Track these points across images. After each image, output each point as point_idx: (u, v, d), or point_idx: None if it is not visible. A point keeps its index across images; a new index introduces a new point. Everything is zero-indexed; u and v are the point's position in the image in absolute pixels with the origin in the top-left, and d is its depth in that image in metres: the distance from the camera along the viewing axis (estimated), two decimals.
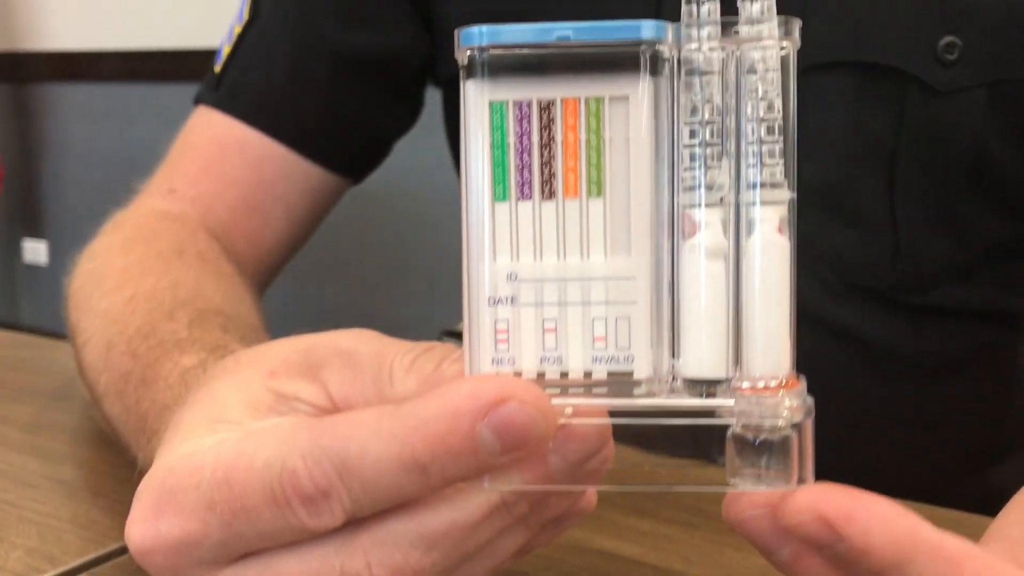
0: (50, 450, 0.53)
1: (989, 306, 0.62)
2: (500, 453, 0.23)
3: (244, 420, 0.27)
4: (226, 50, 0.66)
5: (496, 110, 0.24)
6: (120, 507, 0.46)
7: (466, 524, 0.25)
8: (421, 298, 2.64)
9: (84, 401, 0.57)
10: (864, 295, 0.59)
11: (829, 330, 0.59)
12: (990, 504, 0.38)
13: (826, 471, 0.44)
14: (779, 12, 0.66)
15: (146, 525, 0.26)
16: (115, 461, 0.49)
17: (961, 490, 0.62)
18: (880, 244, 0.58)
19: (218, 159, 0.64)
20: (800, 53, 0.57)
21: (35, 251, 3.30)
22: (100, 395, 0.46)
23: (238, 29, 0.66)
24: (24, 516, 0.45)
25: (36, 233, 3.32)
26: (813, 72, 0.56)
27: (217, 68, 0.66)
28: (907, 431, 0.62)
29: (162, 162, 0.66)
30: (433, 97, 0.71)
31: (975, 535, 0.31)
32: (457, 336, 1.06)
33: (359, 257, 2.64)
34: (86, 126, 3.16)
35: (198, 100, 0.66)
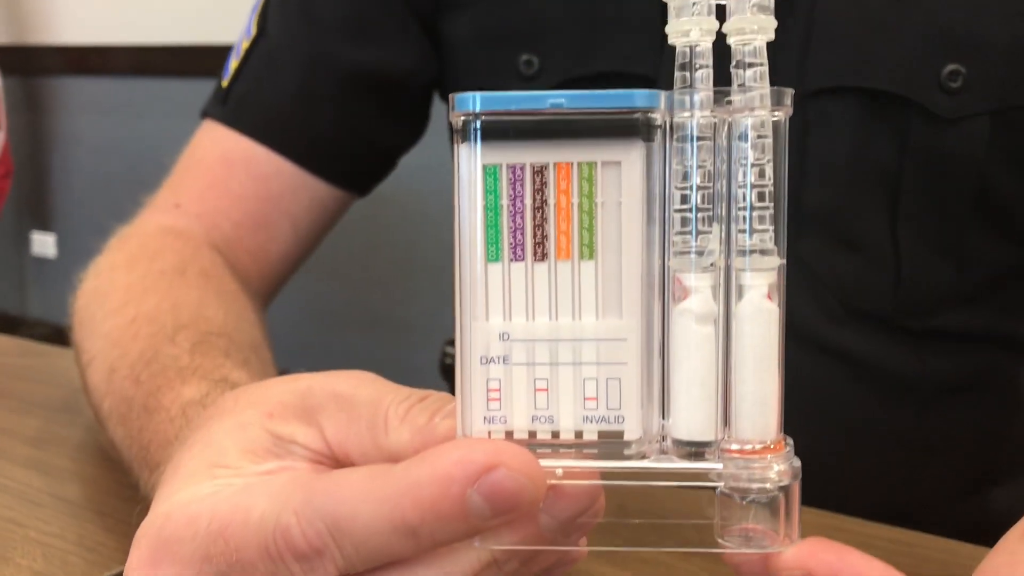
0: (55, 466, 0.53)
1: (991, 330, 0.62)
2: (490, 517, 0.23)
3: (242, 465, 0.28)
4: (233, 65, 0.66)
5: (490, 173, 0.25)
6: (125, 528, 0.46)
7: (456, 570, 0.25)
8: (428, 296, 2.65)
9: (88, 416, 0.58)
10: (865, 319, 0.59)
11: (830, 353, 0.60)
12: (990, 528, 0.38)
13: (826, 492, 0.44)
14: (784, 37, 0.66)
15: (143, 572, 0.27)
16: (120, 479, 0.49)
17: (960, 513, 0.62)
18: (882, 270, 0.58)
19: (224, 175, 0.64)
20: (805, 78, 0.58)
21: (43, 244, 3.32)
22: (104, 417, 0.47)
23: (246, 44, 0.66)
24: (30, 536, 0.45)
25: (45, 226, 3.33)
26: (818, 97, 0.56)
27: (224, 83, 0.66)
28: (907, 453, 0.62)
29: (168, 176, 0.67)
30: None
31: (970, 566, 0.31)
32: None
33: (367, 255, 2.65)
34: (95, 120, 3.18)
35: (205, 114, 0.67)
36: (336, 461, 0.28)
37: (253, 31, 0.66)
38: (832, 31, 0.55)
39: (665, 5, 0.25)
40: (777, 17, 0.24)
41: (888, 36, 0.55)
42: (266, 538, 0.25)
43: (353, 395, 0.28)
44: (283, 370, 0.52)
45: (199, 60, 2.83)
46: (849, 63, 0.56)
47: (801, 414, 0.60)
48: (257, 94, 0.65)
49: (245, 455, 0.28)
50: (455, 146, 0.25)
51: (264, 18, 0.66)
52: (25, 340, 0.79)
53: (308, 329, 2.81)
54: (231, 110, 0.65)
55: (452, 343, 1.06)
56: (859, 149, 0.57)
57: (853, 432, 0.61)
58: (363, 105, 0.65)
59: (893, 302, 0.59)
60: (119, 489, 0.50)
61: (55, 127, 3.27)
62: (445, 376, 1.06)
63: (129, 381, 0.44)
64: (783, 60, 0.57)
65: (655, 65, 0.58)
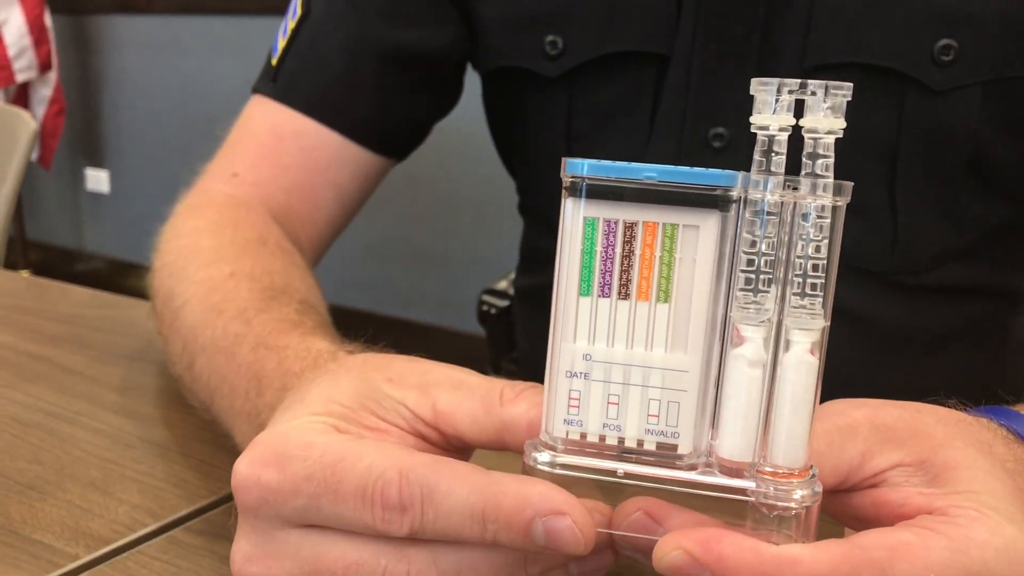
0: (140, 412, 0.59)
1: (984, 283, 0.66)
2: (543, 546, 0.29)
3: (353, 409, 0.33)
4: (281, 43, 0.71)
5: (589, 224, 0.30)
6: (206, 467, 0.52)
7: (494, 569, 0.30)
8: (467, 231, 2.69)
9: (162, 364, 0.63)
10: (863, 276, 0.64)
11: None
12: None
13: None
14: (787, 17, 0.70)
15: (252, 467, 0.32)
16: (198, 423, 0.55)
17: None
18: (880, 232, 0.62)
19: (275, 147, 0.69)
20: (805, 54, 0.62)
21: (97, 180, 3.39)
22: (198, 349, 0.51)
23: (292, 24, 0.71)
24: (126, 474, 0.51)
25: (98, 163, 3.40)
26: (818, 73, 0.60)
27: (274, 60, 0.71)
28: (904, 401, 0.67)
29: (222, 146, 0.71)
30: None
31: None
32: (497, 294, 1.11)
33: (408, 191, 2.70)
34: (143, 58, 3.22)
35: (255, 89, 0.72)
36: (437, 431, 0.34)
37: (299, 11, 0.71)
38: (831, 11, 0.59)
39: None
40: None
41: (883, 14, 0.59)
42: (368, 483, 0.30)
43: (467, 380, 0.34)
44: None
45: None
46: (847, 41, 0.59)
47: None
48: (305, 72, 0.70)
49: (358, 402, 0.33)
50: (563, 200, 0.30)
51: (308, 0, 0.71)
52: (98, 291, 0.84)
53: (352, 263, 2.86)
54: (281, 87, 0.70)
55: (490, 292, 1.11)
56: (857, 121, 0.61)
57: (852, 382, 0.65)
58: (403, 81, 0.70)
59: (890, 261, 0.63)
60: (198, 432, 0.55)
61: (104, 65, 3.33)
62: (481, 321, 1.12)
63: (238, 322, 0.49)
64: (787, 39, 0.61)
65: (669, 45, 0.63)
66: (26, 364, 0.66)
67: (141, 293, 0.69)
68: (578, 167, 0.29)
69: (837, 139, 0.29)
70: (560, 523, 0.28)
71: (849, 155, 0.63)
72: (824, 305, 0.29)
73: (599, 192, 0.29)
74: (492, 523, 0.29)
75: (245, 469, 0.32)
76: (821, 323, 0.29)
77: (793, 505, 0.29)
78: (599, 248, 0.30)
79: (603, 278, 0.30)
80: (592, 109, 0.67)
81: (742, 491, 0.30)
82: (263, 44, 2.77)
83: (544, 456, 0.30)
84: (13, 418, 0.57)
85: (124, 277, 3.21)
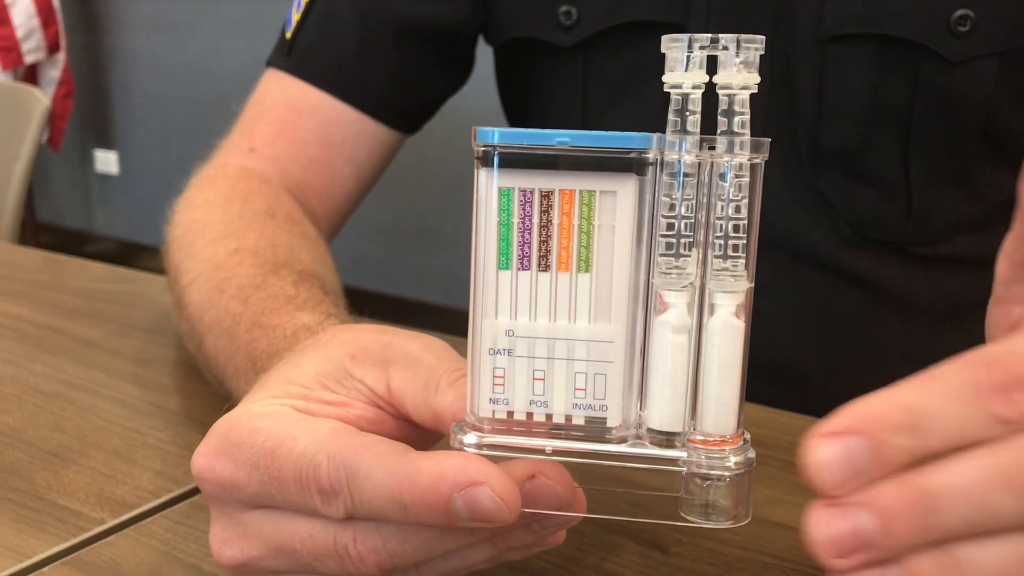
0: (159, 382, 0.59)
1: (998, 253, 0.65)
2: (468, 520, 0.28)
3: (312, 388, 0.33)
4: (296, 17, 0.71)
5: (504, 195, 0.29)
6: None
7: (434, 534, 0.30)
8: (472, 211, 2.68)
9: (177, 337, 0.64)
10: (879, 246, 0.64)
11: (845, 276, 0.64)
12: None
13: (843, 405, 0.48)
14: None
15: (207, 459, 0.33)
16: (216, 394, 0.55)
17: None
18: (894, 202, 0.62)
19: (292, 122, 0.69)
20: (822, 25, 0.61)
21: (106, 161, 3.40)
22: (203, 329, 0.52)
23: None
24: (148, 443, 0.51)
25: (107, 144, 3.41)
26: (834, 43, 0.60)
27: (288, 34, 0.70)
28: (918, 370, 0.66)
29: (238, 121, 0.71)
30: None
31: None
32: None
33: (418, 170, 2.69)
34: (151, 39, 3.22)
35: (270, 63, 0.72)
36: (392, 407, 0.33)
37: None
38: None
39: None
40: None
41: None
42: (302, 468, 0.30)
43: (419, 357, 0.33)
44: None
45: None
46: (863, 11, 0.59)
47: (819, 333, 0.66)
48: (319, 47, 0.69)
49: (317, 380, 0.33)
50: (476, 171, 0.29)
51: None
52: (114, 266, 0.84)
53: (363, 240, 2.87)
54: (296, 61, 0.69)
55: None
56: (872, 91, 0.60)
57: (869, 350, 0.65)
58: (417, 55, 0.70)
59: (905, 231, 0.63)
60: (216, 402, 0.55)
61: (113, 46, 3.32)
62: None
63: (237, 301, 0.49)
64: (802, 9, 0.60)
65: (684, 14, 0.62)
66: (46, 337, 0.66)
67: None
68: (489, 135, 0.28)
69: (752, 94, 0.28)
70: (478, 494, 0.28)
71: (863, 125, 0.63)
72: (747, 266, 0.28)
73: (512, 161, 0.28)
74: (411, 506, 0.28)
75: (201, 460, 0.33)
76: (745, 285, 0.28)
77: (726, 473, 0.29)
78: (516, 219, 0.29)
79: (522, 250, 0.29)
80: (607, 80, 0.66)
81: (673, 461, 0.29)
82: (272, 24, 2.75)
83: (470, 437, 0.30)
84: (35, 388, 0.58)
85: (134, 258, 3.22)
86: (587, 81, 0.67)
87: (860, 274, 0.64)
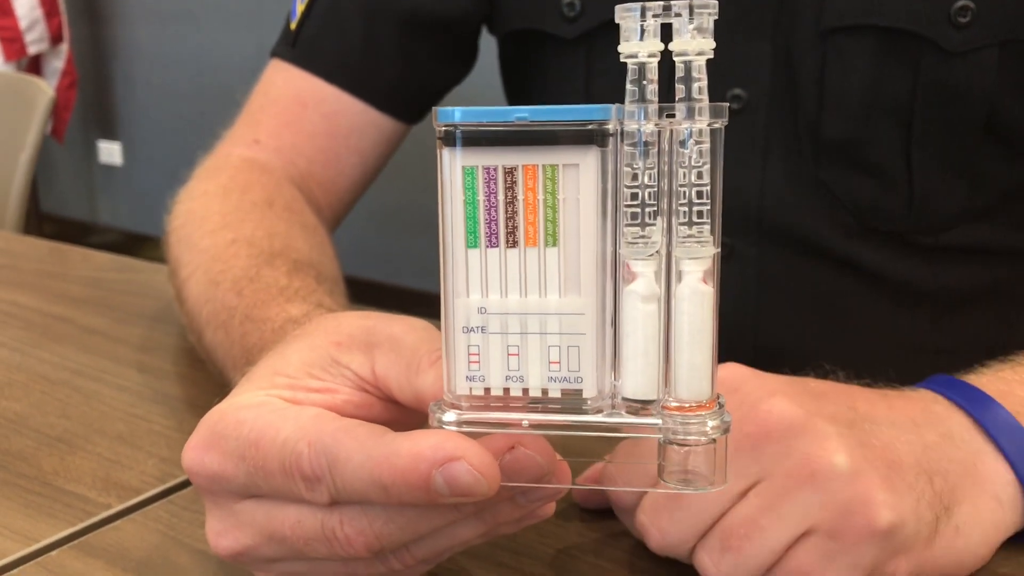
0: (163, 369, 0.60)
1: (1000, 244, 0.66)
2: (448, 496, 0.28)
3: (299, 376, 0.34)
4: (300, 7, 0.71)
5: (468, 173, 0.29)
6: None
7: (419, 513, 0.30)
8: None
9: (180, 325, 0.64)
10: (881, 236, 0.64)
11: (847, 266, 0.64)
12: None
13: None
14: None
15: (196, 452, 0.34)
16: (218, 381, 0.55)
17: None
18: (896, 192, 0.62)
19: (298, 113, 0.69)
20: (822, 16, 0.60)
21: (110, 152, 3.41)
22: (202, 323, 0.53)
23: None
24: (154, 429, 0.52)
25: (110, 135, 3.42)
26: (835, 35, 0.59)
27: (292, 24, 0.71)
28: (921, 359, 0.66)
29: (242, 111, 0.72)
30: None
31: None
32: None
33: (420, 160, 2.69)
34: (155, 30, 3.22)
35: (274, 53, 0.72)
36: (379, 390, 0.34)
37: None
38: None
39: None
40: None
41: None
42: (285, 457, 0.31)
43: (402, 339, 0.33)
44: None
45: None
46: (863, 3, 0.58)
47: (821, 322, 0.66)
48: (324, 38, 0.70)
49: (304, 369, 0.34)
50: (439, 151, 0.29)
51: None
52: (119, 256, 0.85)
53: (367, 227, 2.87)
54: (301, 53, 0.70)
55: None
56: (874, 82, 0.60)
57: (870, 338, 0.65)
58: (422, 47, 0.70)
59: (906, 221, 0.63)
60: (219, 389, 0.56)
61: (116, 37, 3.32)
62: None
63: (232, 293, 0.50)
64: (804, 1, 0.60)
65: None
66: (51, 325, 0.68)
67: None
68: (450, 115, 0.28)
69: (709, 60, 0.28)
70: (456, 468, 0.28)
71: (864, 116, 0.63)
72: (713, 232, 0.28)
73: (474, 139, 0.28)
74: (391, 487, 0.29)
75: (190, 453, 0.34)
76: (711, 250, 0.28)
77: (702, 438, 0.29)
78: (481, 197, 0.29)
79: (489, 228, 0.29)
80: (611, 71, 0.66)
81: (650, 429, 0.29)
82: (276, 15, 2.74)
83: (449, 416, 0.30)
84: (41, 376, 0.59)
85: (137, 249, 3.24)
86: (591, 72, 0.67)
87: (862, 264, 0.64)
